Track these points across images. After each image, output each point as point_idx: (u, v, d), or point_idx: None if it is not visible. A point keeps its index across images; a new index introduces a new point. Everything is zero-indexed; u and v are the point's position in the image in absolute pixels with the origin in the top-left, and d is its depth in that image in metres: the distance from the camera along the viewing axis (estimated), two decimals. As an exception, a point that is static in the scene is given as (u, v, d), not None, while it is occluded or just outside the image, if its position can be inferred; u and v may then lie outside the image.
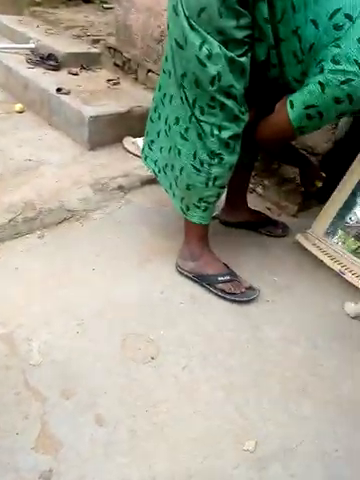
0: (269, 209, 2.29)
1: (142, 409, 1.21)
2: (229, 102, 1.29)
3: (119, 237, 1.87)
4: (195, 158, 1.40)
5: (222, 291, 1.63)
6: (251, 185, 2.39)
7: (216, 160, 1.39)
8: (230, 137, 1.34)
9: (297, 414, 1.28)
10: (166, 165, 1.59)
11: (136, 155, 2.35)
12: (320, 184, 1.88)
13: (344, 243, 1.95)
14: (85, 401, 1.21)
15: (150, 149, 1.69)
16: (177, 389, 1.28)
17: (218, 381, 1.32)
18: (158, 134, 1.60)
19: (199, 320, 1.53)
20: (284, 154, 1.84)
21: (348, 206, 1.98)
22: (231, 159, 1.41)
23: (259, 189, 2.39)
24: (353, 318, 1.68)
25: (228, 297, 1.63)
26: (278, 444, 1.19)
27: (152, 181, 2.16)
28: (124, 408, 1.21)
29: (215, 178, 1.44)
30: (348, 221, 1.97)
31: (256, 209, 2.12)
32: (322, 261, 1.90)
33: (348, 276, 1.83)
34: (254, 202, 2.25)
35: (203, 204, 1.53)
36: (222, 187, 1.52)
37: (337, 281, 1.85)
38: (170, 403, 1.24)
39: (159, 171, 1.66)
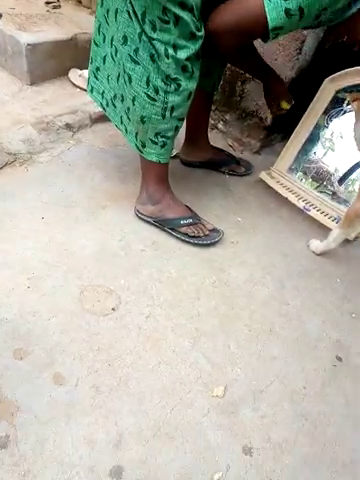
0: (231, 146, 2.15)
1: (104, 364, 1.12)
2: (185, 14, 1.09)
3: (70, 182, 1.68)
4: (148, 85, 1.21)
5: (185, 235, 1.52)
6: (212, 121, 2.23)
7: (173, 86, 1.21)
8: (187, 58, 1.16)
9: (265, 355, 1.24)
10: (115, 96, 1.38)
11: (84, 89, 2.09)
12: (287, 106, 1.67)
13: (305, 181, 1.87)
14: (41, 360, 1.10)
15: (96, 78, 1.46)
16: (141, 340, 1.19)
17: (184, 328, 1.25)
18: (104, 60, 1.37)
19: (162, 267, 1.43)
20: (247, 61, 1.55)
21: (312, 140, 1.87)
22: (190, 85, 1.23)
23: (220, 125, 2.22)
24: (318, 255, 1.64)
25: (192, 241, 1.52)
26: (247, 387, 1.15)
27: (104, 118, 1.94)
28: (85, 364, 1.12)
29: (172, 108, 1.26)
30: (311, 157, 1.88)
31: (217, 147, 1.97)
32: (286, 199, 1.82)
33: (313, 212, 1.77)
34: (215, 139, 2.10)
35: (161, 139, 1.36)
36: (181, 119, 1.35)
37: (302, 218, 1.79)
38: (134, 355, 1.16)
39: (107, 104, 1.46)
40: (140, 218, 1.58)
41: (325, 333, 1.36)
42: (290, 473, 1.00)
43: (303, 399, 1.16)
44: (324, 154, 1.84)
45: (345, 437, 1.10)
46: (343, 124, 1.79)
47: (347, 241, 1.67)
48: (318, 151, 1.85)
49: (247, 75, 2.02)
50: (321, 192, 1.82)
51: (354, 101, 1.42)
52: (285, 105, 1.66)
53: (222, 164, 1.92)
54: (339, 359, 1.30)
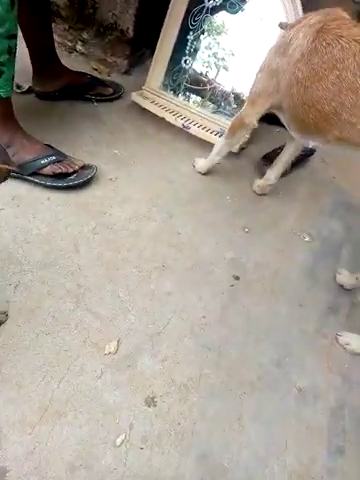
0: (96, 70, 1.85)
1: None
2: None
3: None
4: None
5: (51, 178, 1.27)
6: (69, 43, 1.88)
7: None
8: None
9: (159, 294, 1.13)
10: None
11: None
12: None
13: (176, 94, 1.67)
14: None
15: None
16: (12, 315, 1.00)
17: (63, 289, 1.07)
18: None
19: (27, 224, 1.19)
20: None
21: (180, 48, 1.64)
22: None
23: (79, 46, 1.88)
24: (204, 174, 1.51)
25: (60, 184, 1.28)
26: (143, 334, 1.03)
27: None
28: None
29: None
30: (183, 65, 1.66)
31: (77, 71, 1.67)
32: (164, 119, 1.62)
33: (193, 130, 1.59)
34: (77, 64, 1.78)
35: (-10, 67, 1.06)
36: (11, 37, 1.05)
37: (184, 139, 1.62)
38: (4, 335, 0.96)
39: None
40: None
41: (219, 254, 1.27)
42: (199, 411, 0.93)
43: (204, 329, 1.08)
44: (217, 74, 1.64)
45: (249, 355, 1.06)
46: (233, 40, 1.57)
47: (232, 154, 1.55)
48: (189, 58, 1.64)
49: (93, -22, 1.68)
50: (218, 112, 1.64)
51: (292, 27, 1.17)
52: None
53: (85, 89, 1.63)
54: (236, 278, 1.22)
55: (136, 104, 1.68)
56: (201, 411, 0.94)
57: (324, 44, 0.96)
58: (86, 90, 1.64)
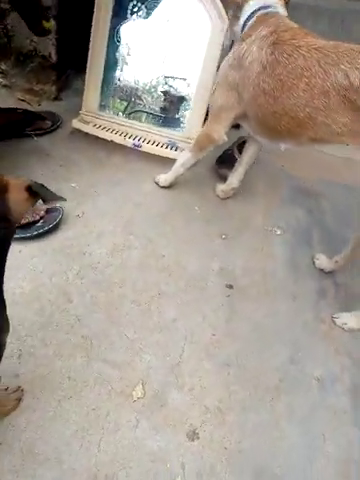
0: (24, 100, 1.74)
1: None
2: None
3: None
4: None
5: (17, 228, 1.19)
6: (-14, 76, 1.75)
7: None
8: None
9: (165, 323, 1.11)
10: None
11: None
12: (49, 24, 1.35)
13: (115, 108, 1.63)
14: None
15: None
16: (26, 382, 0.93)
17: (70, 345, 1.02)
18: None
19: (9, 284, 1.10)
20: None
21: (110, 65, 1.60)
22: None
23: (0, 79, 1.76)
24: (168, 188, 1.50)
25: (29, 233, 1.21)
26: (163, 368, 1.02)
27: None
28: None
29: None
30: (117, 83, 1.63)
31: (7, 107, 1.56)
32: (113, 141, 1.58)
33: (145, 147, 1.58)
34: (1, 98, 1.67)
35: None
36: None
37: (137, 158, 1.59)
38: (27, 404, 0.90)
39: None
40: None
41: (207, 267, 1.29)
42: (238, 429, 0.95)
43: (217, 348, 1.09)
44: (121, 70, 1.60)
45: (266, 361, 1.09)
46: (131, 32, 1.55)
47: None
48: (121, 76, 1.61)
49: (3, 6, 1.56)
50: (134, 111, 1.62)
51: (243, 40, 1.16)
52: (46, 24, 1.32)
53: (21, 125, 1.53)
54: (230, 287, 1.25)
55: (79, 130, 1.61)
56: (241, 428, 0.96)
57: (285, 55, 1.00)
58: (23, 126, 1.54)
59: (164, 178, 1.49)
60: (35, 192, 0.67)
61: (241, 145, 1.65)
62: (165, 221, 1.40)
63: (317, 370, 1.10)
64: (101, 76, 1.60)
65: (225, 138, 1.28)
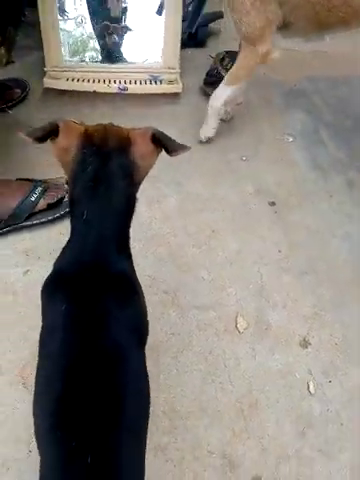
0: (-27, 73, 1.50)
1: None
2: None
3: None
4: None
5: (46, 210, 1.09)
6: None
7: None
8: None
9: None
10: None
11: None
12: None
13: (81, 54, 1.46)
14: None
15: None
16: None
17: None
18: None
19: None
20: None
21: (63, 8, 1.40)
22: None
23: None
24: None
25: (61, 211, 1.10)
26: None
27: None
28: None
29: None
30: (78, 26, 1.43)
31: None
32: (96, 92, 1.43)
33: (131, 88, 1.44)
34: None
35: None
36: None
37: (124, 100, 1.46)
38: None
39: None
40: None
41: (243, 192, 1.26)
42: (339, 322, 1.00)
43: (288, 260, 1.10)
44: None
45: (333, 257, 1.12)
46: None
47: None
48: (81, 17, 1.41)
49: None
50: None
51: None
52: None
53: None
54: (272, 203, 1.24)
55: (51, 90, 1.44)
56: (341, 323, 1.00)
57: None
58: (-8, 101, 1.35)
59: (207, 129, 1.33)
60: (159, 141, 0.58)
61: (222, 60, 1.56)
62: (182, 160, 1.32)
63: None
64: (57, 23, 1.40)
65: (277, 54, 1.18)
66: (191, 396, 0.86)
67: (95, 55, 1.45)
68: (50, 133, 0.57)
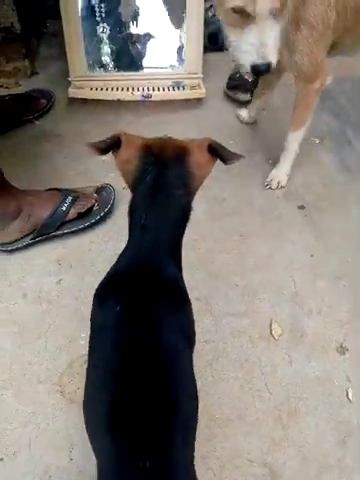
0: (1, 86, 1.54)
1: None
2: None
3: None
4: None
5: (77, 219, 1.10)
6: None
7: None
8: None
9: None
10: None
11: None
12: None
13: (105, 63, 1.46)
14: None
15: None
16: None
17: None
18: None
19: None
20: None
21: (88, 16, 1.40)
22: None
23: None
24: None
25: (91, 220, 1.11)
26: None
27: None
28: None
29: None
30: (100, 34, 1.45)
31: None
32: (119, 100, 1.44)
33: (155, 95, 1.44)
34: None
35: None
36: None
37: (148, 108, 1.47)
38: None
39: None
40: (10, 251, 1.07)
41: (272, 196, 1.25)
42: None
43: (320, 265, 1.09)
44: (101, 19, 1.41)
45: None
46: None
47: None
48: (104, 26, 1.43)
49: None
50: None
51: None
52: None
53: (18, 112, 1.36)
54: (301, 207, 1.22)
55: (75, 99, 1.46)
56: None
57: None
58: (19, 114, 1.37)
59: (280, 175, 1.26)
60: (215, 151, 0.59)
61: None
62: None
63: None
64: (80, 31, 1.41)
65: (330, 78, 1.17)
66: (229, 404, 0.86)
67: (118, 63, 1.46)
68: (113, 145, 0.60)
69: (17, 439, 0.81)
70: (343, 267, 1.09)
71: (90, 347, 0.58)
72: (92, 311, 0.60)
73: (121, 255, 0.62)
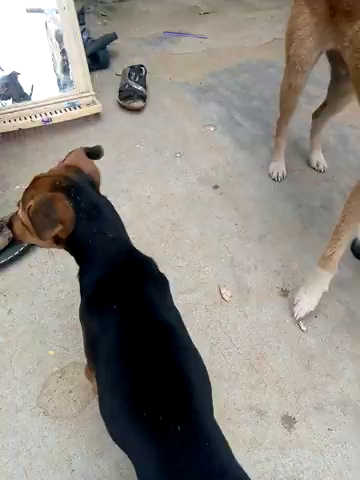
0: None
1: None
2: None
3: None
4: None
5: (10, 247, 1.07)
6: None
7: None
8: None
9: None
10: None
11: None
12: None
13: None
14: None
15: None
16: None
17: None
18: None
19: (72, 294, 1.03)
20: None
21: None
22: None
23: None
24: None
25: (24, 246, 1.09)
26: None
27: None
28: None
29: None
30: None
31: None
32: (21, 129, 1.44)
33: (55, 118, 1.46)
34: None
35: None
36: None
37: (51, 132, 1.48)
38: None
39: None
40: None
41: (188, 183, 1.35)
42: (279, 250, 1.12)
43: (246, 229, 1.21)
44: None
45: (280, 212, 1.25)
46: None
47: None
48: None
49: None
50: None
51: None
52: None
53: None
54: (215, 187, 1.34)
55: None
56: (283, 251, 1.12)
57: None
58: None
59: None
60: (91, 153, 0.67)
61: (129, 75, 1.67)
62: (121, 170, 1.39)
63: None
64: None
65: None
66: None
67: (13, 95, 1.46)
68: (56, 227, 0.59)
69: (11, 472, 0.78)
70: (264, 226, 1.22)
71: (95, 350, 0.62)
72: (85, 321, 0.65)
73: (85, 270, 0.64)
